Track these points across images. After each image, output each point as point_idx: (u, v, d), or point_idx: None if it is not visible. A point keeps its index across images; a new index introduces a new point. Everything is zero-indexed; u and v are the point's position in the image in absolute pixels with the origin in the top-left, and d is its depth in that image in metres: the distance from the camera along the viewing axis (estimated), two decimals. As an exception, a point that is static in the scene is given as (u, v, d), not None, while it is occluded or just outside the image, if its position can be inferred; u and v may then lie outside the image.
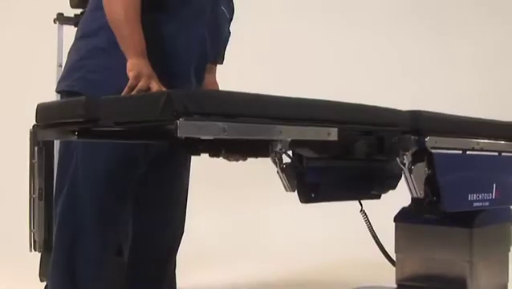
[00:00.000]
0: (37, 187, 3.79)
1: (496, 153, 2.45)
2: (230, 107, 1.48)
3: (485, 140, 2.35)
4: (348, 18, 6.09)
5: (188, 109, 1.37)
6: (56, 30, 3.94)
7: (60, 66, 3.72)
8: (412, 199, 2.50)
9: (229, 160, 2.27)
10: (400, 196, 2.53)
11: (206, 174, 4.28)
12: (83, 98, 1.65)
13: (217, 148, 2.15)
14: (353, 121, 1.80)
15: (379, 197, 2.58)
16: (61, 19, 3.90)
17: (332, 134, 1.65)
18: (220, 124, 1.42)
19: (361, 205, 2.59)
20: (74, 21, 3.68)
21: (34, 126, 3.84)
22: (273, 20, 5.70)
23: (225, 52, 2.51)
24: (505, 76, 5.68)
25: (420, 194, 2.01)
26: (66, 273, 2.20)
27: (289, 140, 1.60)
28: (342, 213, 5.16)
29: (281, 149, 2.19)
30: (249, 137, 1.49)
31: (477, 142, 2.29)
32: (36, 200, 3.80)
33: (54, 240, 2.34)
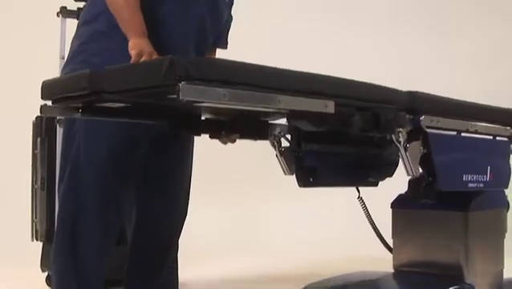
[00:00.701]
0: (39, 177, 3.83)
1: (491, 137, 2.48)
2: (231, 75, 1.52)
3: (480, 123, 2.38)
4: (348, 17, 6.11)
5: (190, 74, 1.42)
6: (59, 23, 3.99)
7: (63, 58, 3.77)
8: (409, 184, 2.54)
9: (229, 142, 2.30)
10: (396, 185, 2.58)
11: (207, 171, 4.31)
12: (87, 70, 1.70)
13: (217, 129, 2.19)
14: (350, 96, 1.84)
15: (376, 184, 2.62)
16: (64, 12, 3.96)
17: (329, 106, 1.69)
18: (221, 89, 1.47)
19: (359, 192, 2.62)
20: (77, 14, 3.74)
21: (37, 117, 3.90)
22: (273, 19, 5.73)
23: (228, 36, 2.55)
24: (505, 75, 5.70)
25: (416, 173, 2.04)
26: (68, 254, 2.22)
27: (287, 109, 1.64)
28: (341, 209, 5.22)
29: (280, 132, 2.25)
30: (249, 105, 1.52)
31: (472, 124, 2.31)
32: (38, 190, 3.84)
33: (56, 221, 2.37)
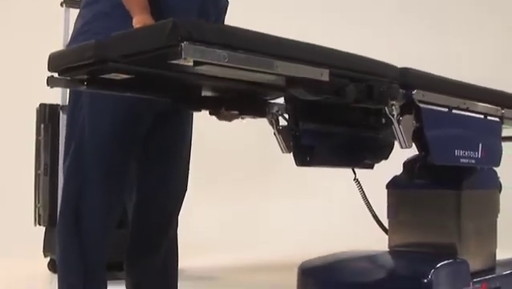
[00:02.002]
0: (42, 163, 3.91)
1: (482, 116, 2.53)
2: (232, 40, 1.59)
3: (471, 102, 2.43)
4: (348, 17, 6.17)
5: (191, 35, 1.49)
6: (63, 12, 4.07)
7: (66, 47, 3.84)
8: (404, 165, 2.60)
9: (229, 120, 2.36)
10: (392, 167, 2.64)
11: (207, 168, 4.36)
12: (92, 41, 1.77)
13: (217, 105, 2.26)
14: (344, 66, 1.91)
15: (372, 166, 2.68)
16: (68, 2, 4.05)
17: (324, 74, 1.76)
18: (221, 51, 1.54)
19: (355, 173, 2.67)
20: (79, 4, 3.81)
21: (41, 104, 3.97)
22: (272, 19, 5.78)
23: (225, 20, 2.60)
24: (505, 75, 5.74)
25: (409, 145, 2.10)
26: (72, 231, 2.26)
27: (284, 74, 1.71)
28: (341, 206, 5.27)
29: (277, 111, 2.32)
30: (248, 68, 1.59)
31: (464, 102, 2.37)
32: (42, 175, 3.92)
33: (60, 200, 2.42)
